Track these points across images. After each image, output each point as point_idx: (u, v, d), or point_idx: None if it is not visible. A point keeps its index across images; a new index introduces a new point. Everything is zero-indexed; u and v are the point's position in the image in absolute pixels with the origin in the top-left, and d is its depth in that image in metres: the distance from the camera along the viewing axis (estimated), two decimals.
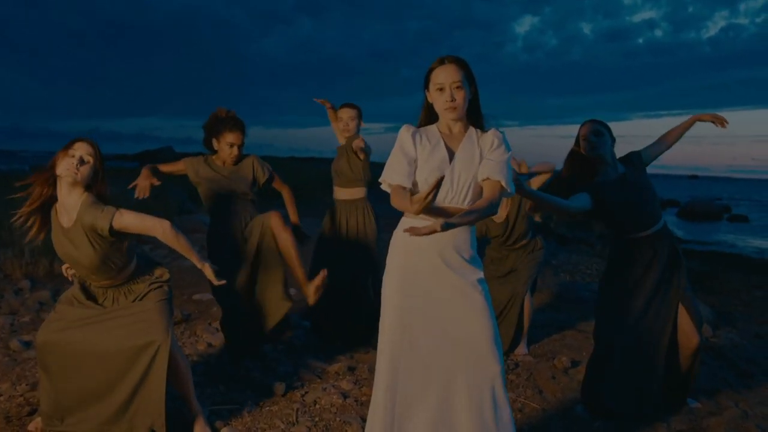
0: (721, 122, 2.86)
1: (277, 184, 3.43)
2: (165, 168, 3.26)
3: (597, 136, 2.77)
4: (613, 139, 2.81)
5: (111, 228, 2.29)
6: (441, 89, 1.97)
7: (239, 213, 3.24)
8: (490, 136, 2.03)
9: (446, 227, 1.72)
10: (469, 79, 1.99)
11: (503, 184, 1.97)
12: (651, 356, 2.76)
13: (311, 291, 3.06)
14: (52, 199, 2.38)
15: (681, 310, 2.82)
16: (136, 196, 3.11)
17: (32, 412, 2.65)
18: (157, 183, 3.11)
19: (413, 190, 2.00)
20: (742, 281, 7.44)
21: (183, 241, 2.40)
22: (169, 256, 5.93)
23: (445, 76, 1.96)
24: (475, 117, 2.05)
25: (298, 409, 2.80)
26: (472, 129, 2.06)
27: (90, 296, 2.49)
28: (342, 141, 3.83)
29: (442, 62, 1.99)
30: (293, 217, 3.51)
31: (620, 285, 2.79)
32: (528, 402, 3.01)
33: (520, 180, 2.30)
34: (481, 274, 2.02)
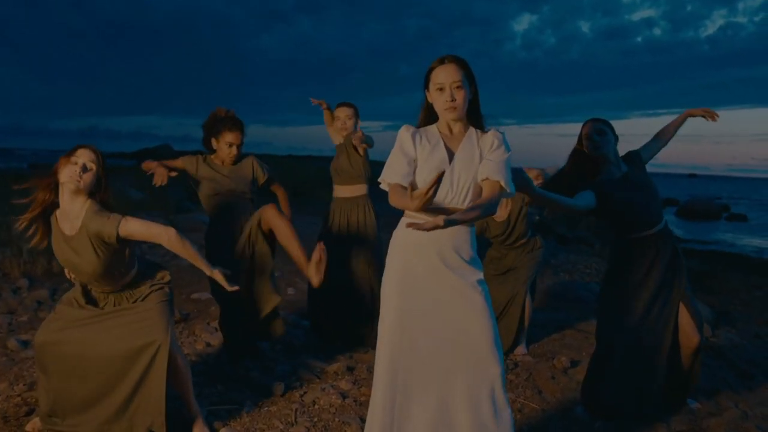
0: (712, 116, 2.89)
1: (274, 186, 3.44)
2: (165, 164, 3.25)
3: (600, 135, 2.76)
4: (616, 138, 2.80)
5: (117, 235, 2.29)
6: (441, 89, 1.96)
7: (238, 212, 3.24)
8: (490, 137, 2.02)
9: (448, 223, 1.71)
10: (469, 79, 1.98)
11: (502, 184, 1.96)
12: (652, 356, 2.75)
13: (313, 270, 2.97)
14: (53, 206, 2.37)
15: (681, 309, 2.82)
16: (154, 182, 3.14)
17: (30, 413, 2.64)
18: (174, 174, 3.15)
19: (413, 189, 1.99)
20: (741, 281, 7.44)
21: (189, 248, 2.40)
22: (167, 255, 5.92)
23: (445, 75, 1.95)
24: (475, 117, 2.04)
25: (296, 410, 2.79)
26: (472, 129, 2.04)
27: (91, 300, 2.49)
28: (340, 140, 3.82)
29: (442, 62, 1.98)
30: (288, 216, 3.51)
31: (623, 285, 2.78)
32: (527, 402, 3.00)
33: (529, 180, 2.29)
34: (481, 275, 2.01)
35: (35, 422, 2.49)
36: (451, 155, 2.00)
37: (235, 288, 2.46)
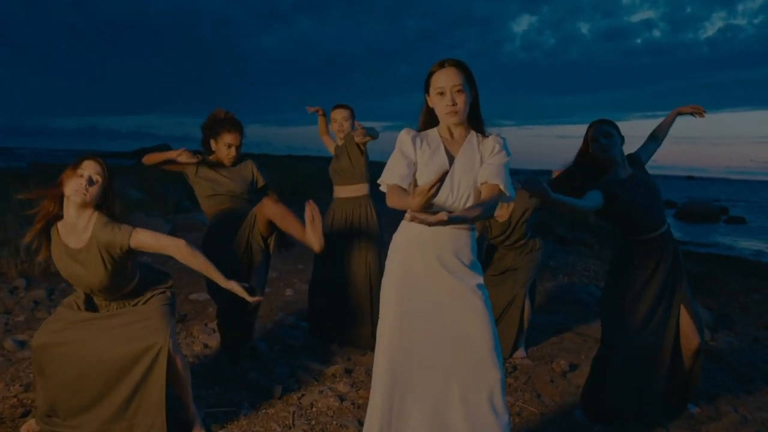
0: (700, 113, 2.93)
1: (269, 192, 3.44)
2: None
3: (607, 137, 2.73)
4: (623, 139, 2.78)
5: (128, 246, 2.29)
6: (442, 93, 1.95)
7: (237, 212, 3.23)
8: (491, 142, 2.01)
9: (451, 219, 1.71)
10: (469, 83, 1.97)
11: (501, 187, 1.94)
12: (654, 358, 2.74)
13: (310, 232, 2.89)
14: (56, 218, 2.35)
15: (681, 311, 2.81)
16: (182, 160, 3.15)
17: (25, 414, 2.63)
18: (195, 160, 3.18)
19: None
20: (740, 284, 7.44)
21: (201, 259, 2.40)
22: (163, 255, 5.91)
23: (445, 79, 1.93)
24: (475, 121, 2.03)
25: (294, 412, 2.77)
26: (473, 133, 2.03)
27: (92, 307, 2.49)
28: (339, 142, 3.81)
29: (442, 65, 1.96)
30: None
31: (626, 287, 2.76)
32: (526, 406, 2.99)
33: (547, 188, 2.28)
34: (481, 280, 2.00)
35: (30, 424, 2.47)
36: (451, 159, 1.99)
37: (258, 298, 2.47)
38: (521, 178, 2.40)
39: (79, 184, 2.25)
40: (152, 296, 2.49)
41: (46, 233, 2.37)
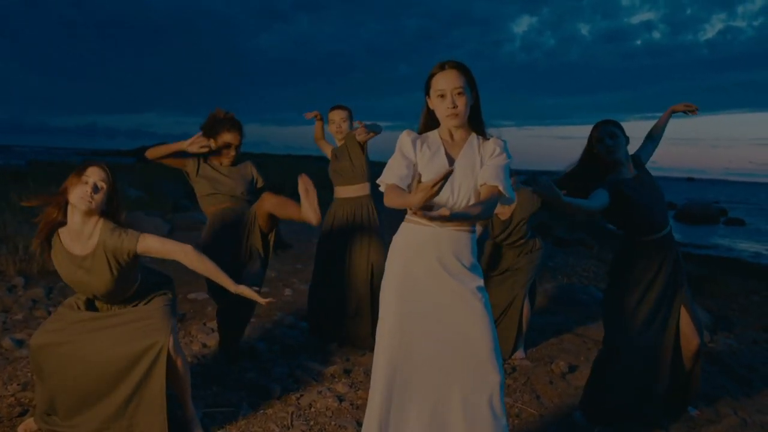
0: (693, 110, 2.97)
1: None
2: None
3: (612, 138, 2.72)
4: (627, 139, 2.78)
5: (135, 252, 2.29)
6: (442, 96, 1.94)
7: (236, 212, 3.22)
8: (492, 144, 2.00)
9: (454, 216, 1.70)
10: (470, 85, 1.96)
11: (501, 189, 1.93)
12: (655, 358, 2.74)
13: (306, 206, 2.84)
14: (60, 225, 2.34)
15: (681, 312, 2.81)
16: (194, 150, 3.15)
17: (23, 413, 2.62)
18: (207, 144, 3.17)
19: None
20: (739, 285, 7.44)
21: (208, 264, 2.39)
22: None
23: (446, 82, 1.93)
24: (476, 123, 2.02)
25: (293, 413, 2.77)
26: (473, 135, 2.02)
27: (93, 307, 2.49)
28: (338, 143, 3.80)
29: (442, 68, 1.95)
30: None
31: (629, 287, 2.75)
32: (525, 407, 2.98)
33: (559, 192, 2.28)
34: (481, 282, 2.00)
35: (28, 423, 2.47)
36: (451, 162, 1.98)
37: (271, 300, 2.47)
38: (539, 181, 2.38)
39: (84, 192, 2.24)
40: (153, 297, 2.49)
41: (47, 241, 2.36)
